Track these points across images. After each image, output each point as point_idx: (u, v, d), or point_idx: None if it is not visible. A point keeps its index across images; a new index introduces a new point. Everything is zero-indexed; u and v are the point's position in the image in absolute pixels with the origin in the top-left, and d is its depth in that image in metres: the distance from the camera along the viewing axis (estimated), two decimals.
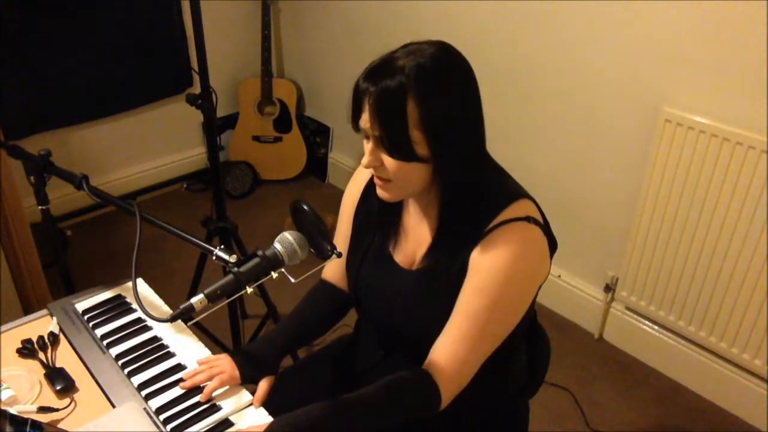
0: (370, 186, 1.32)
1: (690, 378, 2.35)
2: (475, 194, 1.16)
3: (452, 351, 1.15)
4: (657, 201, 2.17)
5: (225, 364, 1.25)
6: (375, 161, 1.13)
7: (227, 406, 1.20)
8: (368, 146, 1.13)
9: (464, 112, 1.12)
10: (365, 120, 1.10)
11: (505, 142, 2.60)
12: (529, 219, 1.14)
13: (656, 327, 2.40)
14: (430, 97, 1.06)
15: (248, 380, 1.25)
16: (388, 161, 1.11)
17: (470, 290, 1.15)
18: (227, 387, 1.24)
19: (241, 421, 1.18)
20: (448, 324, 1.16)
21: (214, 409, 1.19)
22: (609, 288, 2.47)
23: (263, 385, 1.24)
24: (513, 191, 1.19)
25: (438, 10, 2.66)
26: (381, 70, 1.08)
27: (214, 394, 1.22)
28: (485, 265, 1.13)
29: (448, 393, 1.16)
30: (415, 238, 1.26)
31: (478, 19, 2.53)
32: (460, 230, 1.17)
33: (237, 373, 1.24)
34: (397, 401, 1.16)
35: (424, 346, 1.20)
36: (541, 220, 1.18)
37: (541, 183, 2.55)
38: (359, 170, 1.37)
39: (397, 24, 2.87)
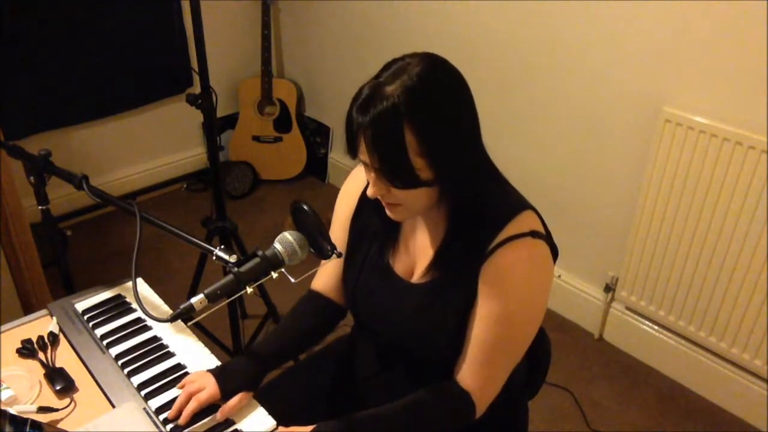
0: (365, 196, 1.30)
1: (690, 378, 2.35)
2: (480, 206, 1.15)
3: (480, 377, 1.17)
4: (657, 201, 2.17)
5: (204, 380, 1.20)
6: (381, 190, 1.10)
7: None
8: (371, 176, 1.10)
9: (462, 126, 1.09)
10: (364, 154, 1.06)
11: (505, 143, 2.60)
12: (533, 234, 1.13)
13: (656, 327, 2.40)
14: (426, 122, 1.02)
15: (228, 396, 1.19)
16: (394, 189, 1.09)
17: (487, 318, 1.14)
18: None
19: (240, 421, 1.18)
20: (470, 351, 1.17)
21: (214, 409, 1.19)
22: (609, 288, 2.47)
23: (235, 400, 1.19)
24: (515, 203, 1.17)
25: (437, 10, 2.66)
26: (371, 100, 1.02)
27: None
28: (498, 290, 1.12)
29: (481, 410, 1.19)
30: (415, 249, 1.25)
31: (477, 19, 2.53)
32: (465, 244, 1.15)
33: (217, 389, 1.19)
34: (438, 413, 1.19)
35: (425, 358, 1.20)
36: (543, 231, 1.16)
37: (541, 183, 2.55)
38: (354, 174, 1.34)
39: (397, 24, 2.87)
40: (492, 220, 1.14)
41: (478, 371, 1.17)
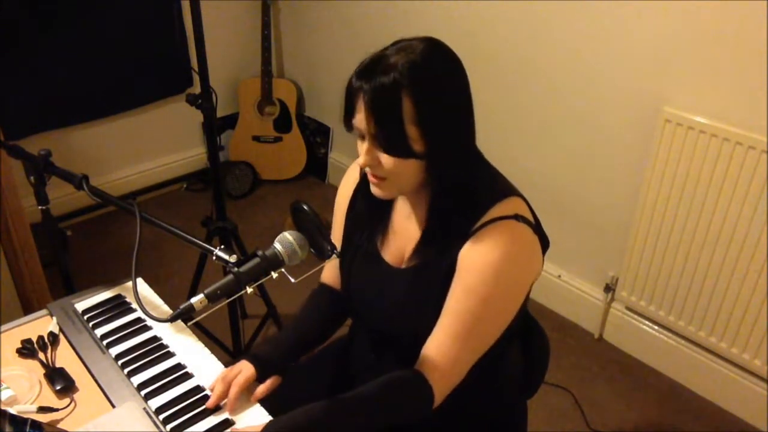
0: (359, 187, 1.32)
1: (690, 378, 2.35)
2: (465, 191, 1.16)
3: (443, 351, 1.15)
4: (657, 201, 2.17)
5: (239, 365, 1.25)
6: (372, 160, 1.12)
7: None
8: (364, 146, 1.13)
9: (456, 105, 1.13)
10: (360, 119, 1.09)
11: (505, 142, 2.61)
12: (517, 217, 1.14)
13: (656, 327, 2.40)
14: (424, 93, 1.06)
15: (263, 378, 1.25)
16: (385, 159, 1.11)
17: (459, 290, 1.14)
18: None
19: (241, 421, 1.18)
20: (439, 323, 1.16)
21: (214, 408, 1.19)
22: (609, 288, 2.47)
23: (269, 382, 1.24)
24: (502, 188, 1.19)
25: (438, 9, 2.66)
26: (373, 68, 1.07)
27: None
28: (474, 264, 1.13)
29: (440, 392, 1.16)
30: (404, 236, 1.26)
31: (478, 19, 2.53)
32: (449, 227, 1.17)
33: (252, 371, 1.23)
34: (391, 400, 1.17)
35: (414, 345, 1.20)
36: (531, 218, 1.17)
37: (541, 183, 2.55)
38: (350, 171, 1.37)
39: (397, 24, 2.87)
40: (477, 203, 1.15)
41: (445, 351, 1.15)
